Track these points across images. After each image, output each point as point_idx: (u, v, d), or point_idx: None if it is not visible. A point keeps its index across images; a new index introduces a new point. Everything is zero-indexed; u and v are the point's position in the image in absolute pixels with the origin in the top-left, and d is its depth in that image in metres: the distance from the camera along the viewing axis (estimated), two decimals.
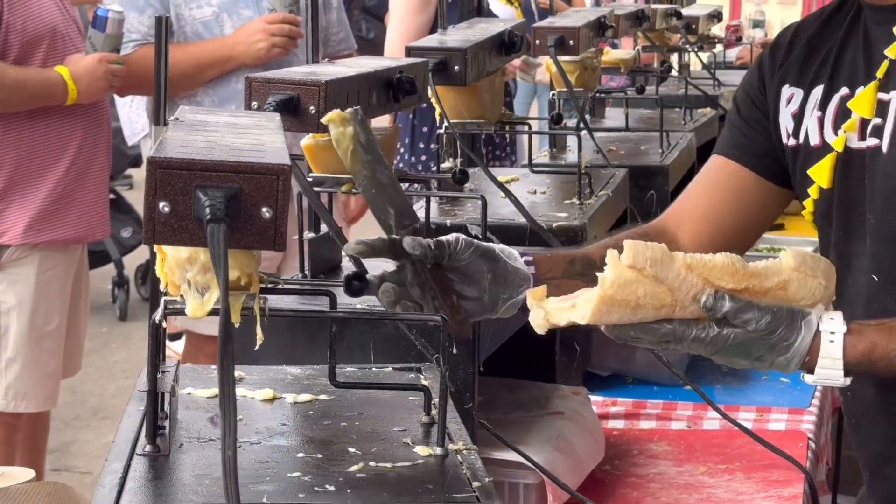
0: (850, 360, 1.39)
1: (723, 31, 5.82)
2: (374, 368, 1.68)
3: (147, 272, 6.34)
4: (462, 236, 1.53)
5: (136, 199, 6.64)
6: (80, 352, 3.51)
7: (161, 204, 1.07)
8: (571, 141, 3.23)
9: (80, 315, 3.44)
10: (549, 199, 2.64)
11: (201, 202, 1.06)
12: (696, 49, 4.42)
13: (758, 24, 7.50)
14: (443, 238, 1.51)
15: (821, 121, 1.72)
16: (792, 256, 1.42)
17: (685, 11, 4.42)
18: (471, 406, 1.73)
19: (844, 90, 1.70)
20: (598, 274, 1.36)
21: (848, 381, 1.40)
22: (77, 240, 3.35)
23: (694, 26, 4.41)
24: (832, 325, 1.40)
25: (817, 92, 1.74)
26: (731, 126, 1.87)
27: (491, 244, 1.57)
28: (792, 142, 1.77)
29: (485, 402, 1.99)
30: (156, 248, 1.22)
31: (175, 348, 5.56)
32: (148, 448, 1.30)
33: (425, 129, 4.37)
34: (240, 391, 1.54)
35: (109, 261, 6.03)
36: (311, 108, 1.71)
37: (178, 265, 1.15)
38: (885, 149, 1.64)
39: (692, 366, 2.61)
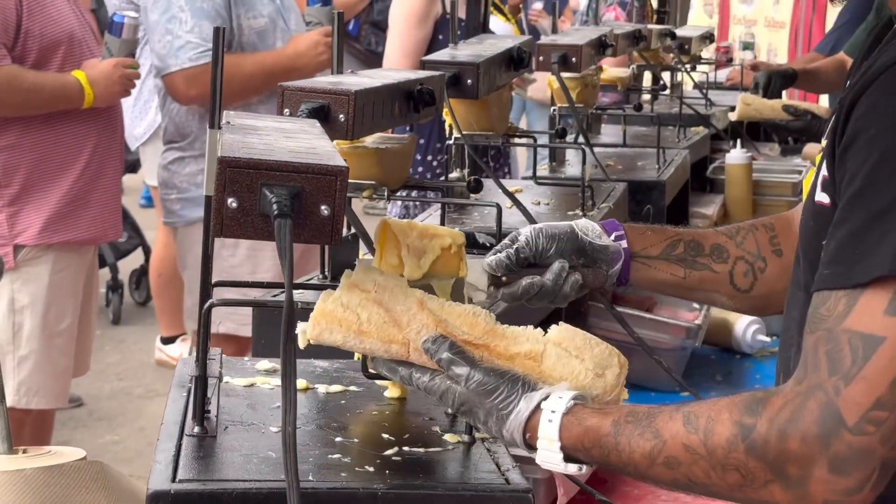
0: (566, 443, 1.23)
1: (713, 53, 5.95)
2: None
3: (141, 277, 6.42)
4: (531, 231, 1.58)
5: (130, 203, 6.71)
6: (89, 351, 3.59)
7: (229, 200, 1.17)
8: (570, 155, 3.34)
9: (90, 315, 3.53)
10: (553, 210, 2.74)
11: (268, 199, 1.15)
12: (688, 69, 4.54)
13: (747, 46, 7.65)
14: (520, 243, 1.57)
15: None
16: (558, 330, 1.32)
17: (679, 32, 4.54)
18: None
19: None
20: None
21: (573, 468, 1.24)
22: (90, 241, 3.44)
23: (687, 47, 4.54)
24: (555, 404, 1.24)
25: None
26: None
27: (567, 223, 1.58)
28: None
29: None
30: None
31: (169, 352, 5.64)
32: (196, 430, 1.39)
33: (422, 140, 4.47)
34: (273, 381, 1.63)
35: (104, 265, 6.10)
36: (341, 115, 1.81)
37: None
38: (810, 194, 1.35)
39: (688, 374, 2.71)
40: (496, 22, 5.42)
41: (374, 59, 6.83)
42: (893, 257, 1.09)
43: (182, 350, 5.59)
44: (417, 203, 3.87)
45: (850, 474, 1.09)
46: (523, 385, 1.26)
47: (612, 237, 1.57)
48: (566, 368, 1.29)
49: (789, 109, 3.91)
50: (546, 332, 1.32)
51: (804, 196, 1.44)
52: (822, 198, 1.25)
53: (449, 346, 1.27)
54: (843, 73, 4.34)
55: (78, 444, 4.79)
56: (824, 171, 1.24)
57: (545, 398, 1.25)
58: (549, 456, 1.25)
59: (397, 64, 4.30)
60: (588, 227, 1.58)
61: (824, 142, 1.28)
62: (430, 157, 4.44)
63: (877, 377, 1.09)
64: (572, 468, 1.25)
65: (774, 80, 4.52)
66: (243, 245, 3.66)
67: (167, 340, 5.66)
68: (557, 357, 1.30)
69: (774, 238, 1.65)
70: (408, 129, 4.66)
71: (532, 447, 1.26)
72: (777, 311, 1.39)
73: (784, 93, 4.64)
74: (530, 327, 1.33)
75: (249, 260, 3.68)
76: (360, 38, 5.37)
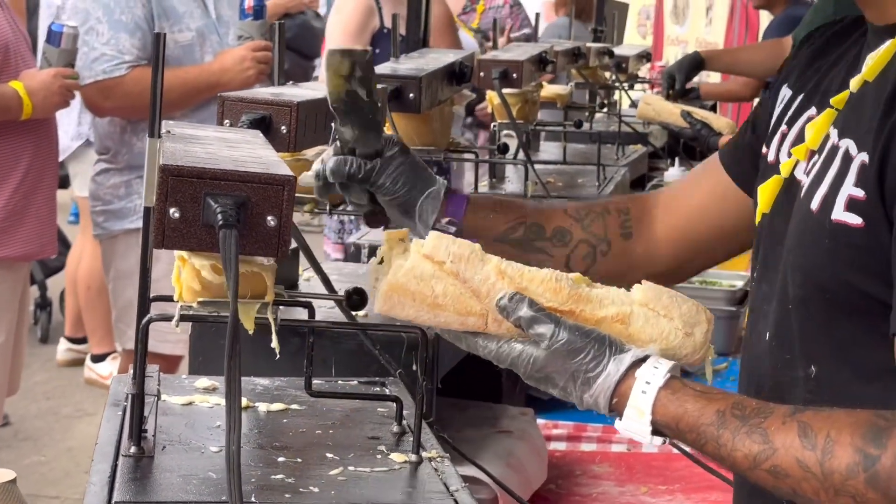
0: (659, 419, 1.18)
1: (649, 72, 5.98)
2: (339, 381, 1.73)
3: None
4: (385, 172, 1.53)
5: (59, 220, 6.59)
6: (19, 370, 3.50)
7: (171, 210, 1.12)
8: (511, 171, 3.32)
9: (21, 334, 3.44)
10: None
11: (212, 209, 1.11)
12: (626, 87, 4.54)
13: None
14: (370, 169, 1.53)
15: (783, 136, 1.45)
16: (642, 290, 1.26)
17: (616, 51, 4.55)
18: (431, 421, 1.78)
19: (813, 110, 1.41)
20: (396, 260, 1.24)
21: (658, 440, 1.19)
22: (26, 257, 3.35)
23: (624, 65, 4.55)
24: (651, 374, 1.18)
25: (795, 103, 1.45)
26: (743, 125, 1.61)
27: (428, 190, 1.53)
28: (763, 150, 1.49)
29: (437, 421, 2.04)
30: (176, 255, 1.25)
31: (99, 371, 5.53)
32: (133, 449, 1.34)
33: None
34: (213, 399, 1.57)
35: (33, 282, 5.97)
36: (283, 127, 1.77)
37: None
38: (805, 188, 1.34)
39: None
40: (464, 37, 5.40)
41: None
42: None
43: (112, 368, 5.49)
44: (353, 218, 3.83)
45: None
46: (611, 346, 1.19)
47: (445, 220, 1.52)
48: (655, 329, 1.23)
49: (686, 115, 3.91)
50: (628, 291, 1.27)
51: (762, 204, 1.43)
52: (850, 218, 1.24)
53: (528, 303, 1.19)
54: (777, 55, 4.30)
55: (3, 465, 4.67)
56: (855, 191, 1.23)
57: (637, 362, 1.19)
58: (634, 426, 1.19)
59: None
60: (430, 207, 1.53)
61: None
62: None
63: None
64: (657, 441, 1.20)
65: (678, 74, 4.56)
66: (164, 259, 3.60)
67: (98, 358, 5.56)
68: (645, 318, 1.24)
69: (627, 221, 1.64)
70: None
71: (616, 413, 1.20)
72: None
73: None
74: (614, 288, 1.26)
75: (170, 275, 3.62)
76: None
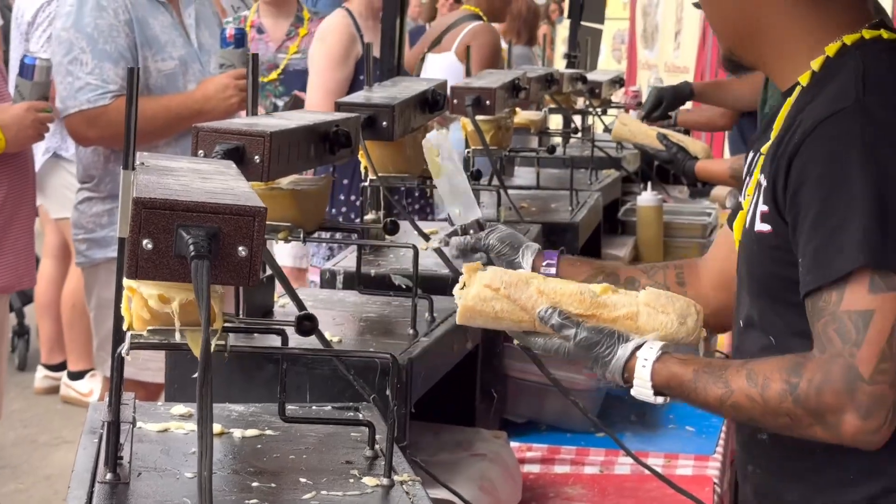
0: (657, 383, 1.62)
1: (623, 97, 6.03)
2: (313, 407, 1.75)
3: None
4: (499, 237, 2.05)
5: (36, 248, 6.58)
6: (0, 399, 3.50)
7: (145, 241, 1.15)
8: (485, 197, 3.35)
9: (1, 363, 3.44)
10: None
11: (184, 240, 1.14)
12: (599, 113, 4.59)
13: None
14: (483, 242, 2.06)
15: (746, 184, 1.76)
16: (646, 293, 1.70)
17: (589, 76, 4.60)
18: (404, 445, 1.81)
19: (755, 154, 1.77)
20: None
21: (660, 399, 1.63)
22: (4, 289, 3.35)
23: (598, 91, 4.59)
24: (647, 353, 1.63)
25: (749, 157, 1.79)
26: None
27: (523, 243, 2.04)
28: (741, 199, 1.81)
29: (411, 445, 2.07)
30: (125, 284, 1.29)
31: (78, 388, 5.53)
32: (109, 476, 1.36)
33: (346, 181, 4.46)
34: (187, 426, 1.60)
35: (11, 310, 5.97)
36: (256, 157, 1.79)
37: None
38: (748, 214, 1.72)
39: (603, 414, 2.72)
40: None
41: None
42: (857, 256, 1.48)
43: (91, 386, 5.49)
44: (341, 246, 3.84)
45: (873, 417, 1.47)
46: (619, 338, 1.64)
47: (544, 264, 2.00)
48: (656, 322, 1.67)
49: (662, 138, 3.92)
50: (637, 295, 1.70)
51: (735, 235, 1.78)
52: (763, 227, 1.66)
53: (558, 313, 1.66)
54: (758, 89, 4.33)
55: None
56: (762, 207, 1.65)
57: (638, 347, 1.63)
58: (642, 391, 1.63)
59: (319, 105, 4.29)
60: (530, 251, 2.03)
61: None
62: (353, 198, 4.44)
63: (877, 339, 1.47)
64: (660, 399, 1.63)
65: (666, 100, 4.56)
66: None
67: (75, 376, 5.56)
68: (648, 315, 1.67)
69: (681, 274, 2.03)
70: (331, 168, 4.66)
71: (629, 383, 1.64)
72: None
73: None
74: (624, 292, 1.70)
75: None
76: None
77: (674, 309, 1.68)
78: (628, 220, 4.07)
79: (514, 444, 2.52)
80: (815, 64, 1.63)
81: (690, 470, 2.48)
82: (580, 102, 4.56)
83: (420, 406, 2.06)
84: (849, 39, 1.62)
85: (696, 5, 2.17)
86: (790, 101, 1.69)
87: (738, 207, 1.83)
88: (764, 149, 1.71)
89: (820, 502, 1.66)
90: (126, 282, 1.28)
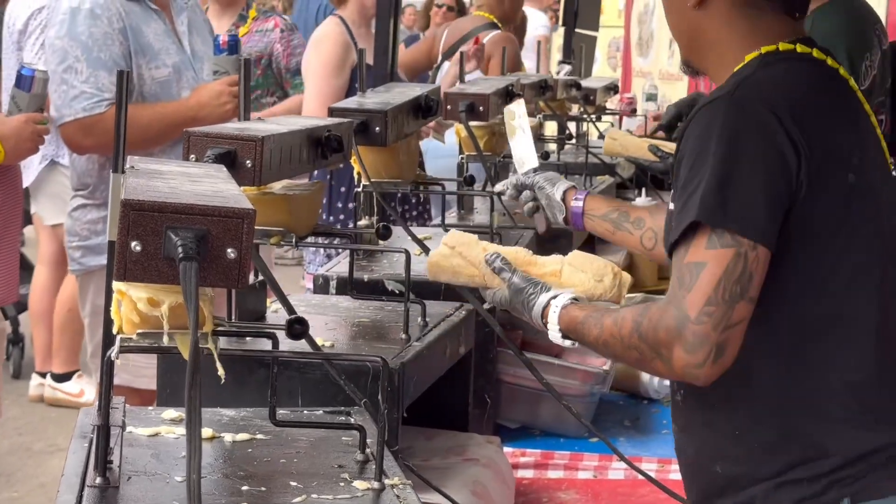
0: (562, 327, 1.86)
1: (617, 104, 6.03)
2: (304, 411, 1.75)
3: None
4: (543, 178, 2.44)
5: (31, 254, 6.59)
6: None
7: (133, 243, 1.14)
8: (478, 203, 3.35)
9: None
10: None
11: (173, 242, 1.13)
12: (593, 119, 4.59)
13: (651, 97, 7.77)
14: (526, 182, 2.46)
15: None
16: (571, 255, 2.00)
17: (584, 83, 4.60)
18: (396, 449, 1.81)
19: None
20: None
21: (567, 343, 1.87)
22: None
23: (592, 97, 4.59)
24: (559, 301, 1.88)
25: None
26: None
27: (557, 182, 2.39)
28: None
29: (404, 450, 2.06)
30: (115, 288, 1.29)
31: (67, 389, 5.53)
32: (98, 480, 1.35)
33: (343, 188, 4.46)
34: (178, 430, 1.59)
35: (5, 318, 5.96)
36: (248, 161, 1.79)
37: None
38: None
39: (596, 420, 2.72)
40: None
41: None
42: (694, 214, 1.70)
43: (81, 386, 5.47)
44: (339, 251, 3.84)
45: (696, 353, 1.67)
46: (542, 287, 1.91)
47: (574, 197, 2.35)
48: (575, 279, 1.96)
49: (654, 150, 3.89)
50: (563, 256, 1.99)
51: None
52: (671, 205, 1.80)
53: (501, 259, 1.96)
54: None
55: None
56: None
57: (554, 297, 1.88)
58: (553, 335, 1.87)
59: (315, 112, 4.29)
60: (563, 185, 2.40)
61: None
62: (350, 204, 4.44)
63: (706, 286, 1.68)
64: (567, 342, 1.87)
65: (685, 113, 4.52)
66: None
67: (60, 378, 5.55)
68: (570, 272, 1.96)
69: None
70: (328, 175, 4.66)
71: (545, 328, 1.88)
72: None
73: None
74: (554, 255, 1.99)
75: None
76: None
77: (591, 269, 1.97)
78: None
79: (507, 450, 2.52)
80: (737, 68, 1.87)
81: None
82: (575, 109, 4.56)
83: (413, 411, 2.06)
84: (765, 49, 1.86)
85: None
86: None
87: None
88: None
89: (713, 449, 1.84)
90: (115, 285, 1.28)
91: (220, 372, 1.28)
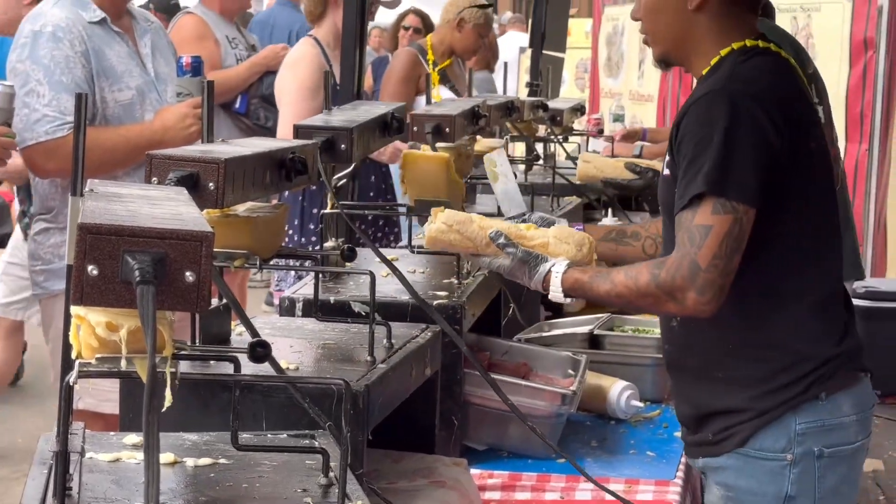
0: (565, 288, 2.30)
1: (585, 125, 6.05)
2: (269, 435, 1.73)
3: None
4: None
5: None
6: None
7: (90, 267, 1.13)
8: None
9: None
10: (429, 278, 2.74)
11: (130, 265, 1.12)
12: (560, 140, 4.59)
13: (618, 118, 7.80)
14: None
15: None
16: (555, 229, 2.40)
17: (551, 104, 4.61)
18: (361, 472, 1.79)
19: None
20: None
21: (568, 300, 2.31)
22: None
23: (559, 118, 4.60)
24: (558, 268, 2.31)
25: None
26: None
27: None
28: None
29: (370, 473, 2.05)
30: (73, 312, 1.27)
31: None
32: None
33: (315, 210, 4.44)
34: (140, 456, 1.58)
35: None
36: (211, 184, 1.78)
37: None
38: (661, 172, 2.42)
39: (563, 441, 2.71)
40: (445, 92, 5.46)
41: (264, 135, 6.87)
42: (701, 185, 2.16)
43: None
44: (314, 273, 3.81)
45: (706, 294, 2.15)
46: (542, 259, 2.33)
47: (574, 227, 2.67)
48: (561, 249, 2.36)
49: (632, 167, 3.86)
50: (549, 231, 2.41)
51: None
52: (666, 172, 2.30)
53: (504, 236, 2.37)
54: None
55: None
56: (667, 157, 2.30)
57: (553, 265, 2.31)
58: (556, 295, 2.30)
59: (291, 135, 4.28)
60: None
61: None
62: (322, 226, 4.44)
63: (712, 244, 2.15)
64: (568, 300, 2.32)
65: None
66: None
67: None
68: (556, 244, 2.37)
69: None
70: (300, 198, 4.64)
71: (546, 290, 2.32)
72: None
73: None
74: (542, 229, 2.42)
75: None
76: (249, 113, 5.35)
77: (573, 240, 2.37)
78: None
79: (474, 471, 2.51)
80: (713, 62, 2.30)
81: (651, 495, 2.48)
82: (542, 130, 4.57)
83: (379, 433, 2.04)
84: (736, 45, 2.30)
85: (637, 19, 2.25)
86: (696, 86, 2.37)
87: None
88: None
89: (701, 360, 2.31)
90: (74, 310, 1.26)
91: (168, 398, 1.27)
